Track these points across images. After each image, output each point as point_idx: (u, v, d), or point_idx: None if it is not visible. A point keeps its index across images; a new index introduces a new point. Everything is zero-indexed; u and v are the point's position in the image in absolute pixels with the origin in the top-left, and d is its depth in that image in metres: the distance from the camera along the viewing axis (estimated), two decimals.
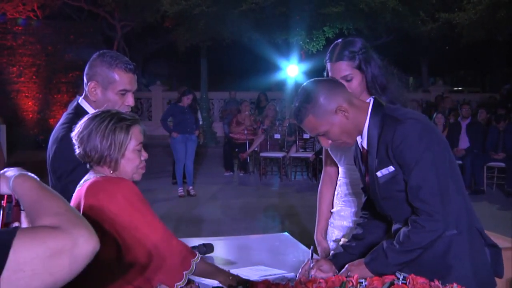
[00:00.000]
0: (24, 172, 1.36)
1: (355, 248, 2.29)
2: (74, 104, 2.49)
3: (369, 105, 2.09)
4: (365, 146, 2.12)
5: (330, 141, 2.11)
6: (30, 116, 15.17)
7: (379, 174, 2.05)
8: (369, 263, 2.05)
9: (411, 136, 1.96)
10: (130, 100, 2.38)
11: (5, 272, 1.00)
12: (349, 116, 2.05)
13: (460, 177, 2.14)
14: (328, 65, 2.52)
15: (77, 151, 1.94)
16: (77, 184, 2.03)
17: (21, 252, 1.02)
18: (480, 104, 12.77)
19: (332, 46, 2.53)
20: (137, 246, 1.83)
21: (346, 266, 2.13)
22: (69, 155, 2.14)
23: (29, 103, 15.54)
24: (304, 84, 2.15)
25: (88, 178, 1.92)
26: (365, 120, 2.08)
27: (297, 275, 2.26)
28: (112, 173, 1.93)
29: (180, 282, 1.88)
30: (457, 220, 2.02)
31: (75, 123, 2.28)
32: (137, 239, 1.83)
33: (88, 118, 1.93)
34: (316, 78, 2.19)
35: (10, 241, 1.03)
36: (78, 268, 1.09)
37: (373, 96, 2.14)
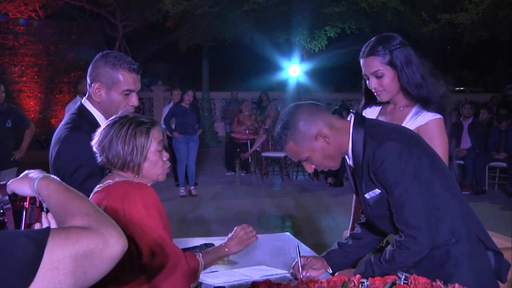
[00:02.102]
0: (47, 174, 1.40)
1: (351, 246, 2.31)
2: (77, 104, 2.49)
3: (350, 124, 2.07)
4: (352, 165, 2.12)
5: (313, 166, 2.11)
6: (32, 116, 15.16)
7: (367, 196, 2.05)
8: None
9: (389, 158, 1.94)
10: (134, 100, 2.39)
11: (41, 269, 1.04)
12: (330, 141, 2.04)
13: (455, 183, 2.12)
14: (361, 61, 2.46)
15: (99, 159, 1.94)
16: (80, 184, 2.03)
17: (55, 251, 1.06)
18: (481, 104, 12.73)
19: (367, 42, 2.48)
20: (149, 252, 1.84)
21: (337, 274, 2.13)
22: (72, 155, 2.14)
23: (31, 103, 15.55)
24: (285, 109, 2.15)
25: (109, 181, 1.92)
26: (348, 141, 2.06)
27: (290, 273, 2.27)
28: (136, 177, 1.94)
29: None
30: (453, 228, 2.00)
31: (78, 123, 2.28)
32: (151, 245, 1.84)
33: (107, 125, 1.93)
34: (296, 103, 2.17)
35: (45, 240, 1.06)
36: (108, 267, 1.12)
37: (353, 111, 2.12)
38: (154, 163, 1.95)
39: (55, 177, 1.39)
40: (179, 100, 9.22)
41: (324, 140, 2.03)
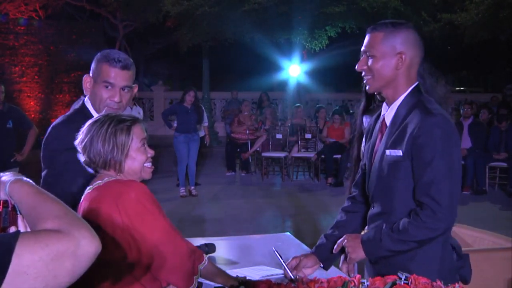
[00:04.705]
0: (20, 177, 1.36)
1: (338, 237, 2.26)
2: (80, 102, 2.54)
3: (411, 85, 2.08)
4: (387, 120, 2.10)
5: (365, 67, 2.08)
6: (32, 116, 15.15)
7: (388, 152, 2.04)
8: (365, 242, 2.06)
9: (436, 132, 1.93)
10: (115, 96, 2.36)
11: (8, 276, 1.01)
12: (398, 69, 2.05)
13: None
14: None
15: (82, 158, 1.95)
16: (65, 174, 2.06)
17: (24, 256, 1.03)
18: (482, 104, 12.74)
19: None
20: (148, 248, 1.85)
21: (344, 236, 2.15)
22: (60, 138, 2.21)
23: (31, 103, 15.54)
24: (406, 23, 2.14)
25: (99, 182, 1.93)
26: (400, 95, 2.07)
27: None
28: (119, 175, 1.95)
29: (191, 286, 1.91)
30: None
31: (73, 116, 2.37)
32: (149, 241, 1.84)
33: (88, 125, 1.95)
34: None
35: (13, 244, 1.03)
36: (81, 270, 1.09)
37: (418, 82, 2.11)
38: (137, 159, 1.96)
39: (28, 179, 1.37)
40: (180, 99, 9.24)
41: (396, 63, 2.04)
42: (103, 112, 2.07)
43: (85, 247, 1.09)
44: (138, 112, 9.14)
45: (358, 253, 2.07)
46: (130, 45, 19.63)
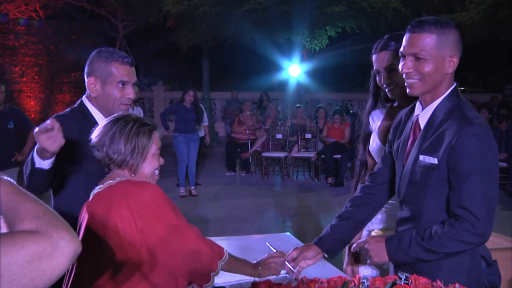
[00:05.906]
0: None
1: (344, 227, 2.23)
2: (78, 101, 2.55)
3: (450, 87, 2.01)
4: (421, 122, 2.03)
5: (411, 70, 1.96)
6: (32, 116, 15.16)
7: (421, 157, 1.97)
8: (390, 246, 1.99)
9: (474, 142, 1.86)
10: (130, 92, 2.43)
11: None
12: (448, 73, 1.96)
13: None
14: (373, 57, 2.47)
15: (97, 153, 1.96)
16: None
17: None
18: (482, 104, 12.74)
19: (379, 40, 2.49)
20: (162, 247, 1.86)
21: (366, 238, 2.08)
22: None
23: (31, 103, 15.55)
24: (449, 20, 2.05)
25: (111, 181, 1.93)
26: (439, 97, 1.99)
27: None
28: (132, 176, 1.96)
29: (208, 284, 1.92)
30: None
31: (69, 113, 2.39)
32: (163, 240, 1.86)
33: (109, 122, 1.96)
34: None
35: None
36: (59, 272, 1.06)
37: (455, 84, 2.04)
38: (151, 164, 1.98)
39: (8, 179, 1.36)
40: (180, 99, 9.23)
41: (448, 66, 1.95)
42: (121, 112, 2.10)
43: (63, 248, 1.06)
44: (138, 112, 9.13)
45: (382, 257, 2.00)
46: (130, 45, 19.63)
